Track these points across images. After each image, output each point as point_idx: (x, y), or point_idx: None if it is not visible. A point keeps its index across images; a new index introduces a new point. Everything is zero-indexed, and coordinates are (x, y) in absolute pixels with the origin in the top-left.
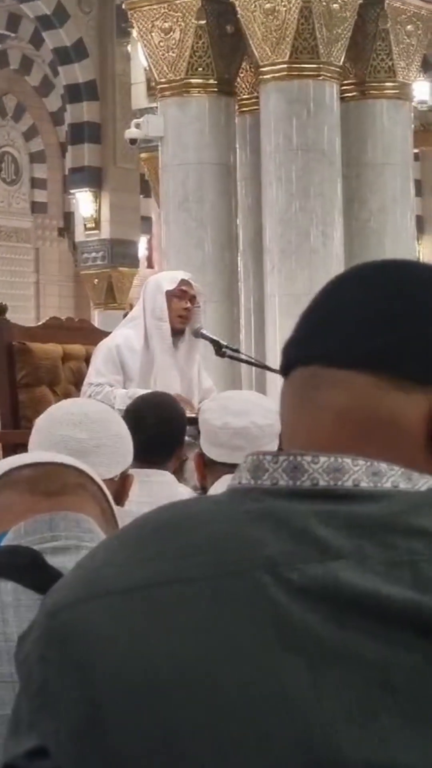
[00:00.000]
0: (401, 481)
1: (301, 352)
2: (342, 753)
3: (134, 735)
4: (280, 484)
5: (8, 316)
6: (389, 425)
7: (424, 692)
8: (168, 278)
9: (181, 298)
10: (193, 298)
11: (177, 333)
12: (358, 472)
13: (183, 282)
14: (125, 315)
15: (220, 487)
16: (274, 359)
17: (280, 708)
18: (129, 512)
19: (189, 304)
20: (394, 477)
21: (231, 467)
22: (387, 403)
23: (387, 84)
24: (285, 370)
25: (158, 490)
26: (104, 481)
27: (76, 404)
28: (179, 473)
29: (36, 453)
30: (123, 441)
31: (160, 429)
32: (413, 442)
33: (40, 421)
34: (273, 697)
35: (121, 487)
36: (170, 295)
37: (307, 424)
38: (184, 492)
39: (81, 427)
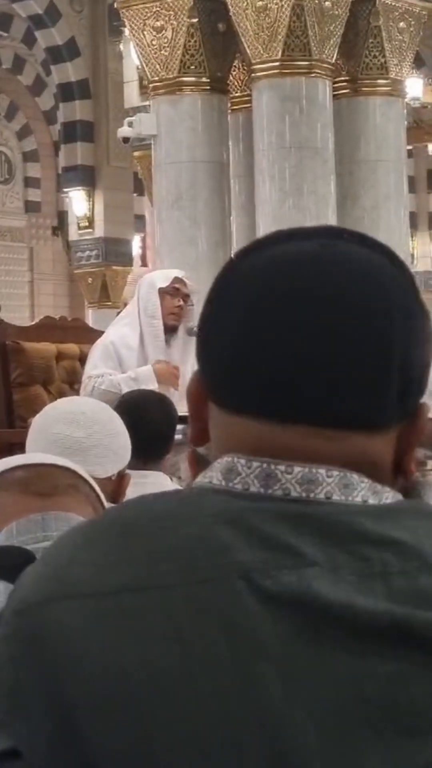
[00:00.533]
0: (370, 496)
1: (257, 403)
2: (315, 766)
3: (109, 742)
4: (251, 490)
5: (2, 315)
6: (372, 465)
7: (398, 704)
8: (162, 276)
9: (174, 295)
10: (186, 297)
11: (170, 331)
12: (331, 483)
13: (176, 280)
14: (119, 314)
15: None
16: None
17: (252, 718)
18: None
19: (182, 302)
20: (363, 491)
21: None
22: (370, 450)
23: (379, 81)
24: (232, 404)
25: (153, 491)
26: (101, 480)
27: (73, 402)
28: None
29: (29, 454)
30: (120, 439)
31: (159, 427)
32: (385, 472)
33: (37, 420)
34: (246, 707)
35: (118, 486)
36: (163, 293)
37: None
38: None
39: (78, 426)
